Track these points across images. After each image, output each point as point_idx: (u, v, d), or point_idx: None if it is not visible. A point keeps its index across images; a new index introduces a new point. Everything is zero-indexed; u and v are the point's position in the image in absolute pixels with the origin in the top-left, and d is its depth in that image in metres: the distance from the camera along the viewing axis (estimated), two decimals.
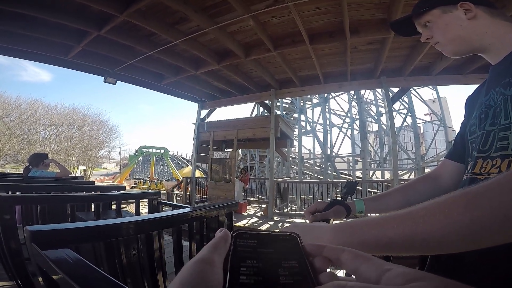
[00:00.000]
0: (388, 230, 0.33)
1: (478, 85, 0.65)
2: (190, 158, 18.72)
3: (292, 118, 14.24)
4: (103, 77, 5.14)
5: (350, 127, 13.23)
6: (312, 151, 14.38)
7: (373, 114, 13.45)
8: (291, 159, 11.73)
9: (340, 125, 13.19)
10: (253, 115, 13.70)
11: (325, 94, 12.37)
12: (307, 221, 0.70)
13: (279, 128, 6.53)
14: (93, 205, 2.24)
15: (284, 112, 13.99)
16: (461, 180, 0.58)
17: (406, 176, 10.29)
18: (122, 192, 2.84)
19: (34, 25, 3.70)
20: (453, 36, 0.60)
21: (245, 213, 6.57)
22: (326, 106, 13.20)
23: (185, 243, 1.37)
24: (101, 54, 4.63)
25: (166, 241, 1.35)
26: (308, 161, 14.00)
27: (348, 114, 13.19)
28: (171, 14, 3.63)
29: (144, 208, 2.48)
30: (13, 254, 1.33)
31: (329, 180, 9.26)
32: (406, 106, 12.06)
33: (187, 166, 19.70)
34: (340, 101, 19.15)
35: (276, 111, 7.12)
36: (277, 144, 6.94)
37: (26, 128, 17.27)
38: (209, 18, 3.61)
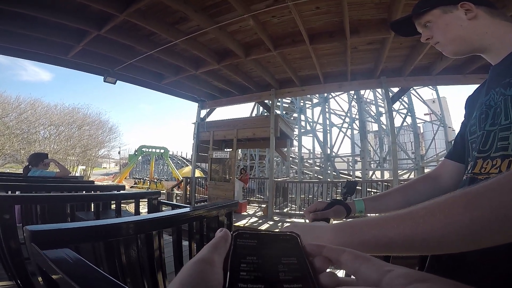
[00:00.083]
0: (388, 230, 0.33)
1: (478, 85, 0.65)
2: (190, 157, 18.71)
3: (292, 118, 14.24)
4: (103, 77, 5.14)
5: (350, 127, 13.24)
6: (312, 151, 14.39)
7: (373, 114, 13.45)
8: (291, 159, 11.73)
9: (340, 125, 13.20)
10: (253, 115, 13.70)
11: (325, 94, 12.38)
12: (307, 220, 0.70)
13: (279, 128, 6.53)
14: (92, 204, 2.24)
15: (284, 112, 13.99)
16: (461, 180, 0.58)
17: (405, 176, 10.29)
18: (121, 191, 2.83)
19: (34, 25, 3.70)
20: (454, 36, 0.60)
21: (245, 213, 6.58)
22: (326, 106, 13.21)
23: (185, 243, 1.37)
24: (101, 54, 4.63)
25: (165, 241, 1.35)
26: (308, 161, 14.00)
27: (348, 114, 13.20)
28: (171, 14, 3.63)
29: (143, 208, 2.48)
30: (13, 253, 1.32)
31: (328, 180, 9.26)
32: (406, 106, 12.07)
33: (187, 165, 19.70)
34: (340, 101, 19.18)
35: (276, 110, 7.11)
36: (277, 144, 6.94)
37: (26, 128, 17.25)
38: (209, 18, 3.60)
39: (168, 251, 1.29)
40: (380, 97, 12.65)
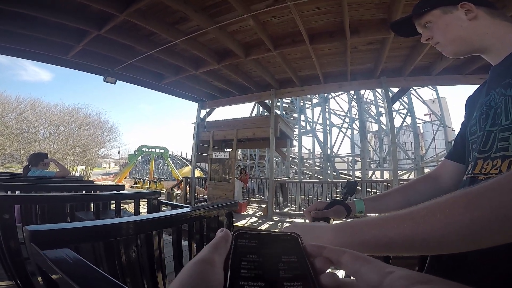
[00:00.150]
0: (389, 230, 0.33)
1: (478, 85, 0.65)
2: (190, 157, 18.71)
3: (292, 118, 14.25)
4: (103, 77, 5.14)
5: (349, 127, 13.24)
6: (311, 151, 14.40)
7: (372, 114, 13.46)
8: (290, 159, 11.73)
9: (340, 125, 13.20)
10: (253, 115, 13.70)
11: (325, 94, 12.38)
12: (307, 220, 0.70)
13: (279, 128, 6.53)
14: (92, 204, 2.24)
15: (284, 112, 13.99)
16: (461, 181, 0.58)
17: (405, 176, 10.29)
18: (121, 191, 2.83)
19: (34, 25, 3.70)
20: (454, 37, 0.60)
21: (245, 213, 6.57)
22: (326, 106, 13.20)
23: (185, 243, 1.37)
24: (101, 54, 4.63)
25: (165, 241, 1.35)
26: (308, 161, 14.00)
27: (348, 114, 13.20)
28: (171, 14, 3.63)
29: (143, 208, 2.48)
30: (13, 253, 1.32)
31: (328, 180, 9.25)
32: (406, 106, 12.07)
33: (187, 165, 19.69)
34: (340, 101, 19.16)
35: (276, 111, 7.11)
36: (276, 144, 6.94)
37: (26, 128, 17.25)
38: (209, 18, 3.60)
39: (168, 251, 1.29)
40: (380, 97, 12.66)
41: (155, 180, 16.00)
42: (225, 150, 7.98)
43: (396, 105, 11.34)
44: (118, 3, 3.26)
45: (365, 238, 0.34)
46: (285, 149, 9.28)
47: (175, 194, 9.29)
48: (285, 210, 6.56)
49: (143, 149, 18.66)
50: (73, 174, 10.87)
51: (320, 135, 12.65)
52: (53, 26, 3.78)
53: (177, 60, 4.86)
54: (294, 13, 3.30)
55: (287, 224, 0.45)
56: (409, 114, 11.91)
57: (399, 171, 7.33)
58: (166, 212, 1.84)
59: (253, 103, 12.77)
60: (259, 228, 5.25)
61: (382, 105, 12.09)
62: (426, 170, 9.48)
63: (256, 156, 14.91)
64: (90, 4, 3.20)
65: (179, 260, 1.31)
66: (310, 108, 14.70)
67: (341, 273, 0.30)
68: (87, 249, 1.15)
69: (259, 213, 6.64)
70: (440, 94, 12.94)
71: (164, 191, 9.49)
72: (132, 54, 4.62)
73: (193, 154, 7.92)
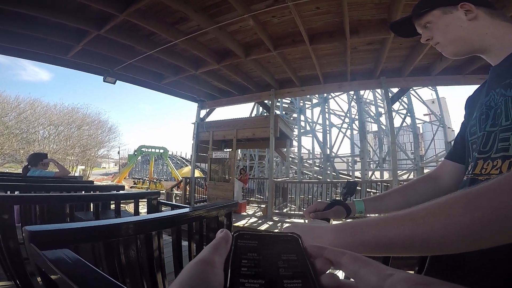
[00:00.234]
0: (389, 230, 0.33)
1: (478, 85, 0.65)
2: (190, 158, 18.71)
3: (291, 118, 14.24)
4: (102, 77, 5.13)
5: (349, 127, 13.26)
6: (311, 151, 14.39)
7: (372, 115, 13.47)
8: (290, 159, 11.72)
9: (340, 125, 13.21)
10: (253, 115, 13.70)
11: (325, 94, 12.38)
12: (307, 221, 0.70)
13: (279, 128, 6.53)
14: (92, 205, 2.24)
15: (284, 112, 13.99)
16: (461, 181, 0.58)
17: (405, 177, 10.30)
18: (121, 192, 2.83)
19: (34, 25, 3.69)
20: (454, 37, 0.60)
21: (245, 213, 6.57)
22: (326, 106, 13.21)
23: (184, 243, 1.37)
24: (101, 54, 4.63)
25: (165, 241, 1.35)
26: (308, 161, 14.01)
27: (348, 114, 13.21)
28: (171, 14, 3.63)
29: (143, 208, 2.48)
30: (12, 254, 1.32)
31: (328, 180, 9.25)
32: (406, 106, 12.08)
33: (187, 166, 19.67)
34: (339, 101, 19.20)
35: (275, 111, 7.12)
36: (276, 144, 6.94)
37: (25, 128, 17.24)
38: (209, 18, 3.61)
39: (167, 252, 1.29)
40: (380, 97, 12.67)
41: (155, 180, 16.00)
42: (224, 150, 7.98)
43: (396, 106, 11.35)
44: (118, 3, 3.26)
45: (366, 239, 0.34)
46: (285, 149, 9.28)
47: (174, 194, 9.28)
48: (284, 210, 6.56)
49: (143, 149, 18.63)
50: (73, 174, 10.86)
51: (319, 135, 12.67)
52: (53, 26, 3.78)
53: (177, 60, 4.86)
54: (294, 13, 3.30)
55: (287, 224, 0.45)
56: (408, 114, 11.93)
57: (398, 171, 7.34)
58: (166, 212, 1.84)
59: (253, 103, 12.77)
60: (258, 228, 5.25)
61: (382, 105, 12.11)
62: (425, 170, 9.49)
63: (256, 156, 14.90)
64: (90, 4, 3.20)
65: (179, 260, 1.30)
66: (310, 108, 14.71)
67: (341, 274, 0.30)
68: (87, 250, 1.15)
69: (259, 213, 6.64)
70: (440, 95, 12.98)
71: (163, 191, 9.49)
72: (132, 54, 4.62)
73: (193, 154, 7.92)
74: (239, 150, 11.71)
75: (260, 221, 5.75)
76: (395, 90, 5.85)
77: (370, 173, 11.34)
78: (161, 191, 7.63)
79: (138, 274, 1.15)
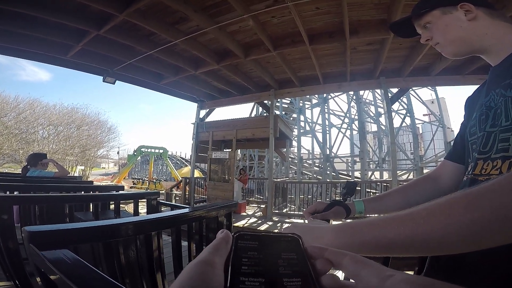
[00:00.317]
0: (389, 231, 0.33)
1: (477, 85, 0.65)
2: (189, 158, 18.68)
3: (291, 118, 14.25)
4: (102, 77, 5.13)
5: (349, 128, 13.27)
6: (311, 152, 14.40)
7: (372, 115, 13.48)
8: (290, 159, 11.73)
9: (339, 126, 13.22)
10: (252, 115, 13.70)
11: (324, 95, 12.39)
12: (307, 221, 0.70)
13: (278, 128, 6.53)
14: (91, 205, 2.24)
15: (283, 112, 14.00)
16: (460, 181, 0.58)
17: (405, 177, 10.31)
18: (120, 192, 2.83)
19: (33, 25, 3.69)
20: (453, 37, 0.60)
21: (244, 213, 6.57)
22: (325, 107, 13.21)
23: (184, 243, 1.37)
24: (101, 54, 4.62)
25: (165, 241, 1.35)
26: (307, 161, 14.01)
27: (347, 115, 13.22)
28: (171, 14, 3.63)
29: (142, 208, 2.47)
30: (11, 254, 1.32)
31: (328, 180, 9.26)
32: (405, 106, 12.10)
33: (186, 166, 19.66)
34: (339, 102, 19.23)
35: (275, 111, 7.12)
36: (276, 144, 6.94)
37: (25, 128, 17.21)
38: (209, 18, 3.60)
39: (167, 252, 1.28)
40: (379, 97, 12.69)
41: (154, 181, 15.99)
42: (224, 150, 7.97)
43: (395, 106, 11.37)
44: (118, 3, 3.26)
45: (366, 239, 0.34)
46: (285, 149, 9.28)
47: (174, 194, 9.28)
48: (284, 211, 6.55)
49: (143, 149, 18.61)
50: (72, 174, 10.85)
51: (319, 136, 12.68)
52: (52, 26, 3.77)
53: (177, 60, 4.86)
54: (294, 14, 3.30)
55: (287, 225, 0.45)
56: (408, 114, 11.94)
57: (398, 172, 7.34)
58: (166, 212, 1.84)
59: (253, 103, 12.77)
60: (258, 228, 5.25)
61: (381, 105, 12.11)
62: (425, 171, 9.50)
63: (256, 157, 14.90)
64: (90, 4, 3.19)
65: (179, 260, 1.30)
66: (310, 108, 14.72)
67: (341, 275, 0.30)
68: (86, 250, 1.15)
69: (259, 213, 6.64)
70: (439, 95, 12.98)
71: (163, 192, 9.48)
72: (131, 54, 4.62)
73: (193, 154, 7.92)
74: (239, 150, 11.71)
75: (259, 221, 5.74)
76: (394, 90, 5.87)
77: (369, 173, 11.35)
78: (160, 191, 7.62)
79: (137, 274, 1.15)
